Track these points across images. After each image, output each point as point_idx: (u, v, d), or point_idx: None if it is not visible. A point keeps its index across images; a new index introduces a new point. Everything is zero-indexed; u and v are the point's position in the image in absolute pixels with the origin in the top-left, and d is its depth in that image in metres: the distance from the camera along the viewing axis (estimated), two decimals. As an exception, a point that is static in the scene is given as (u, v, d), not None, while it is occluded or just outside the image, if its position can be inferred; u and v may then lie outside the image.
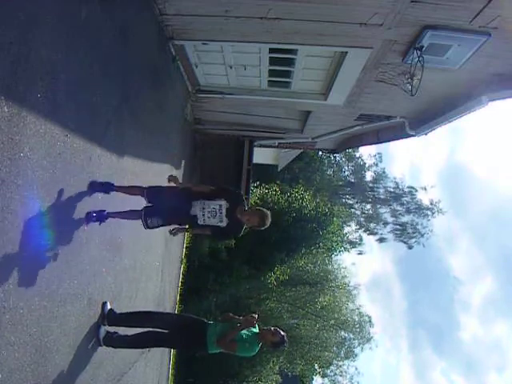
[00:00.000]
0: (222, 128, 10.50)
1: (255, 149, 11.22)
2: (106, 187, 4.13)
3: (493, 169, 59.23)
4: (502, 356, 59.28)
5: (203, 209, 3.89)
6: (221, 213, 3.89)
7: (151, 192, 4.17)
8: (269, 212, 3.98)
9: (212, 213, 3.88)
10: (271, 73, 7.62)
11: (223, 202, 3.90)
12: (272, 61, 7.16)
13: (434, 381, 55.23)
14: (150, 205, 4.15)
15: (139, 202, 4.24)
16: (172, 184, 4.14)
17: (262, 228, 3.98)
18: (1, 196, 2.57)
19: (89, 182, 3.90)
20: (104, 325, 4.30)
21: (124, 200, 4.36)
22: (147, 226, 4.08)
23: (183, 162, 9.36)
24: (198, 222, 3.93)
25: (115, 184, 4.23)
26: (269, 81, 7.90)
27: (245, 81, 8.04)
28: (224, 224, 3.94)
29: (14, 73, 2.66)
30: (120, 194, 4.30)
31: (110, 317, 4.34)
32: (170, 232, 4.13)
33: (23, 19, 2.71)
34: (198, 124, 10.30)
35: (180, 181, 4.15)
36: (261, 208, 4.07)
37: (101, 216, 4.10)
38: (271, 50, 6.80)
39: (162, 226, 4.16)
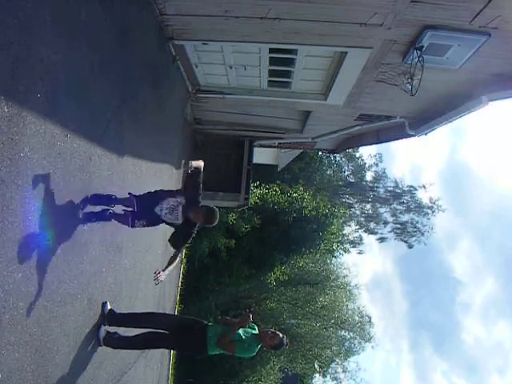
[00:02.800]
0: (222, 128, 10.50)
1: (255, 149, 11.22)
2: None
3: (494, 168, 59.28)
4: (503, 357, 59.30)
5: (161, 204, 3.94)
6: (177, 210, 3.92)
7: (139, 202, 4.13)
8: (215, 209, 3.95)
9: (170, 209, 3.92)
10: (271, 73, 7.62)
11: (183, 201, 3.92)
12: (272, 61, 7.16)
13: (435, 382, 55.22)
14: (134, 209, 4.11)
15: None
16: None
17: (210, 225, 4.00)
18: (1, 196, 2.57)
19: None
20: (104, 325, 4.30)
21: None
22: (132, 227, 4.10)
23: (183, 162, 9.36)
24: (161, 217, 3.97)
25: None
26: (269, 81, 7.90)
27: (245, 81, 8.04)
28: (180, 221, 3.95)
29: (14, 73, 2.66)
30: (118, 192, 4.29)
31: (110, 317, 4.34)
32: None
33: (23, 19, 2.71)
34: (198, 124, 10.30)
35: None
36: (209, 206, 4.03)
37: (101, 216, 4.07)
38: (271, 50, 6.79)
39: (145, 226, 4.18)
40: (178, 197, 3.95)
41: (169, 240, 4.15)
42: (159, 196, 4.04)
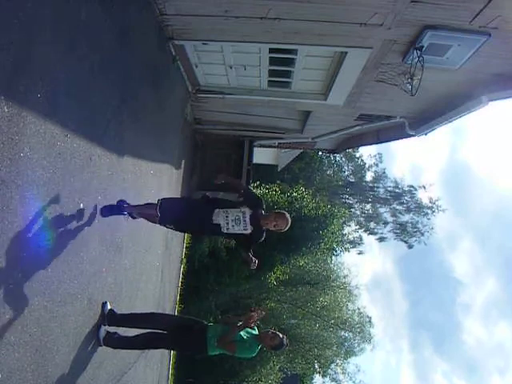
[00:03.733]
0: (222, 128, 10.50)
1: (255, 149, 11.22)
2: (117, 210, 4.19)
3: (495, 168, 59.27)
4: (504, 358, 59.19)
5: (227, 217, 3.83)
6: (245, 220, 3.82)
7: (165, 207, 4.05)
8: (286, 213, 3.98)
9: (236, 221, 3.81)
10: (271, 73, 7.62)
11: (246, 209, 3.86)
12: (272, 61, 7.16)
13: (436, 383, 55.14)
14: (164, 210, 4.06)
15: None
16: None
17: (284, 230, 3.98)
18: (1, 196, 2.57)
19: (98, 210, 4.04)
20: (104, 325, 4.30)
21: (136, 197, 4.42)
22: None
23: (183, 162, 9.36)
24: (222, 230, 3.85)
25: (126, 204, 4.31)
26: (269, 81, 7.90)
27: (245, 81, 8.04)
28: (249, 231, 3.86)
29: (14, 73, 2.66)
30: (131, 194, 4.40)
31: (110, 317, 4.34)
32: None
33: (23, 19, 2.71)
34: (198, 124, 10.30)
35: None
36: (281, 211, 4.01)
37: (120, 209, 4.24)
38: (271, 50, 6.79)
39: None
40: (241, 207, 3.88)
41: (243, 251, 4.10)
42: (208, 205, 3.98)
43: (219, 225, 3.85)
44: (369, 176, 31.29)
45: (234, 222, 3.81)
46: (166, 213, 4.01)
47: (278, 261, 16.47)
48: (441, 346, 56.17)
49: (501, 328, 60.16)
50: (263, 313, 4.00)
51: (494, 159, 61.30)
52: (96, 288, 4.21)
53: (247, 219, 3.82)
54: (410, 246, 29.52)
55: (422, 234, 28.65)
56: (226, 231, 3.85)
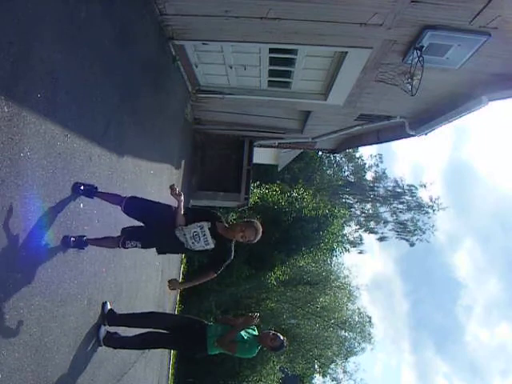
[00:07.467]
0: (222, 128, 10.50)
1: (255, 149, 11.21)
2: (89, 191, 3.77)
3: (497, 168, 59.22)
4: (506, 360, 59.06)
5: (185, 235, 3.62)
6: (204, 235, 3.58)
7: (131, 204, 3.83)
8: (256, 221, 3.72)
9: (195, 237, 3.58)
10: (271, 73, 7.62)
11: (204, 223, 3.60)
12: (272, 61, 7.16)
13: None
14: (129, 228, 3.87)
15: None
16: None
17: (255, 241, 3.66)
18: (1, 196, 2.57)
19: (72, 183, 3.57)
20: (104, 325, 4.30)
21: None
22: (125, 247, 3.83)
23: (183, 162, 9.36)
24: (186, 247, 3.64)
25: (98, 189, 3.88)
26: (269, 81, 7.90)
27: (245, 81, 8.04)
28: (211, 246, 3.61)
29: (14, 73, 2.66)
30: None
31: (110, 317, 4.34)
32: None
33: (23, 19, 2.71)
34: (198, 124, 10.30)
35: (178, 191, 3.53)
36: (251, 219, 3.77)
37: (80, 242, 3.72)
38: (271, 50, 6.79)
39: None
40: (198, 222, 3.59)
41: (209, 269, 3.83)
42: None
43: (183, 243, 3.64)
44: (369, 176, 31.30)
45: (193, 238, 3.58)
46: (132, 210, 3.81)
47: (278, 261, 16.47)
48: (442, 347, 56.14)
49: (503, 329, 60.18)
50: (258, 319, 3.95)
51: (496, 159, 61.32)
52: (96, 288, 4.21)
53: (207, 233, 3.57)
54: (412, 244, 29.47)
55: (424, 232, 28.60)
56: (190, 249, 3.66)
